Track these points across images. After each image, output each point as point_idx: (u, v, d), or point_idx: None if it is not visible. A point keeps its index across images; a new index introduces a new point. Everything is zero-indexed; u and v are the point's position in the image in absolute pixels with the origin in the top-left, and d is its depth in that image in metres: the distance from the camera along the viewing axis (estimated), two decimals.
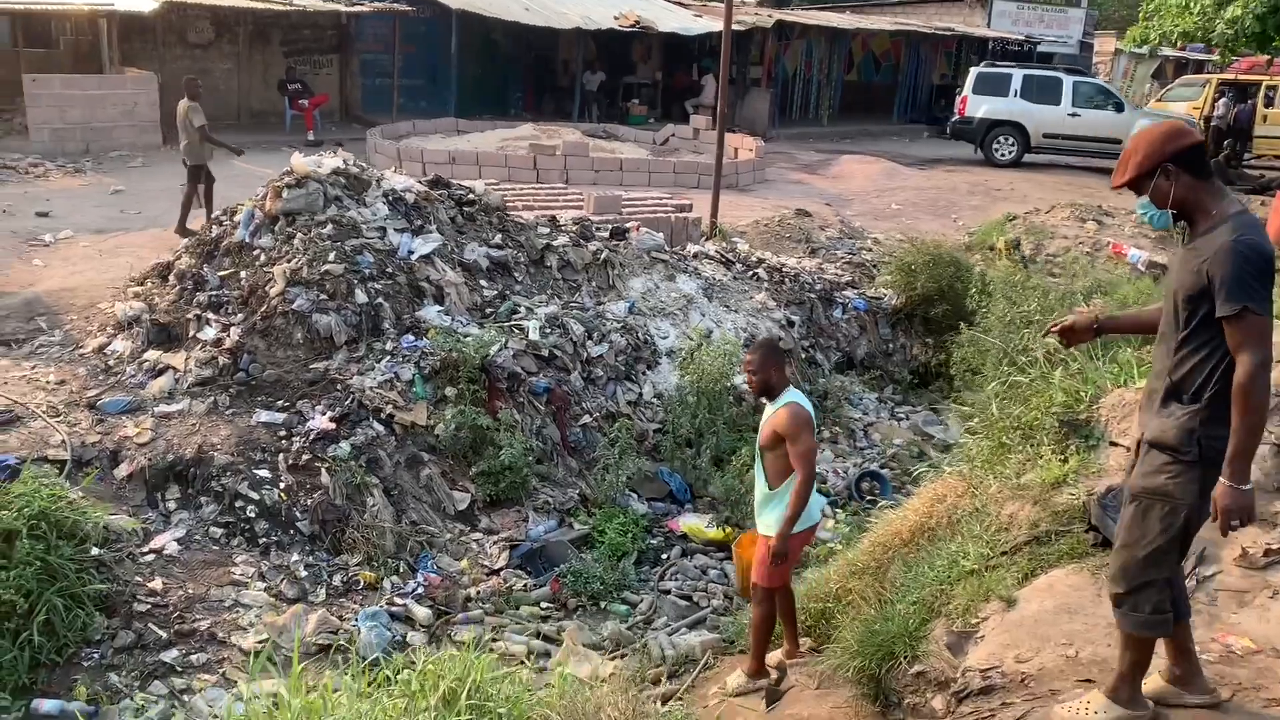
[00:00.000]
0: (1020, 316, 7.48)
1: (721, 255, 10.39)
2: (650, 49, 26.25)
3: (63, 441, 6.46)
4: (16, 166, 14.88)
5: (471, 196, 8.75)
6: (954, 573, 4.35)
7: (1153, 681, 3.31)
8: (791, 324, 9.86)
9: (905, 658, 4.12)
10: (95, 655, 5.37)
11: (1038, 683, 3.58)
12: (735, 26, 23.68)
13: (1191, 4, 16.58)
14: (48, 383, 7.14)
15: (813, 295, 10.41)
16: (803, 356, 9.81)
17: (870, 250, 12.08)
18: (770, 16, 24.62)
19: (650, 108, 24.72)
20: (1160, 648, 3.29)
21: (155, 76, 17.57)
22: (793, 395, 4.62)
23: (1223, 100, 22.67)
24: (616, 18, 22.79)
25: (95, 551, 5.70)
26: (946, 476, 5.49)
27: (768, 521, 4.66)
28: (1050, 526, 4.23)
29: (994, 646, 3.83)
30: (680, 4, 26.21)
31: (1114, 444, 4.61)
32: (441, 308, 7.67)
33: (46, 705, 5.03)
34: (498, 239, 8.56)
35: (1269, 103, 22.44)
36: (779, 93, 25.69)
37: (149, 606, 5.64)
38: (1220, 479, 2.98)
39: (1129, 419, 4.69)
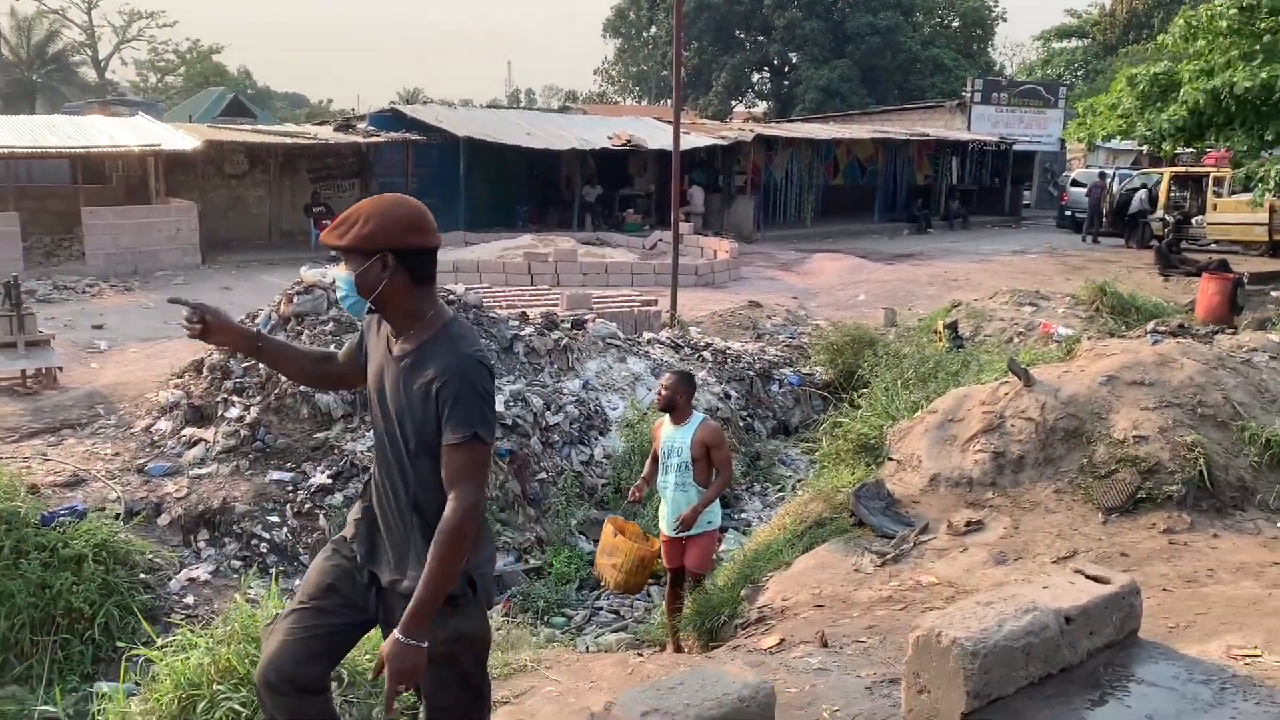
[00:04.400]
0: (895, 378, 9.12)
1: (671, 340, 12.13)
2: (645, 164, 28.58)
3: (117, 497, 8.20)
4: (75, 287, 17.06)
5: (452, 297, 10.59)
6: (766, 553, 5.95)
7: None
8: (729, 396, 11.52)
9: (726, 613, 5.70)
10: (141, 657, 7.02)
11: (790, 611, 5.16)
12: (720, 141, 26.06)
13: (1117, 107, 18.47)
14: (105, 454, 8.93)
15: (752, 373, 12.09)
16: (740, 424, 11.43)
17: (808, 335, 13.77)
18: (751, 131, 26.91)
19: (645, 216, 26.89)
20: None
21: (195, 205, 19.90)
22: (703, 415, 6.11)
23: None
24: (610, 138, 25.13)
25: (144, 576, 7.41)
26: (800, 494, 7.12)
27: (698, 525, 5.76)
28: (829, 515, 5.83)
29: (771, 593, 5.42)
30: (670, 122, 28.62)
31: (890, 459, 6.23)
32: None
33: (105, 686, 6.65)
34: None
35: (1217, 192, 24.21)
36: (764, 198, 27.81)
37: (183, 617, 7.28)
38: (395, 634, 2.60)
39: (903, 441, 6.32)
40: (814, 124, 34.34)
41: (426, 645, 2.61)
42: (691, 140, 25.98)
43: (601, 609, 8.31)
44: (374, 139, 22.82)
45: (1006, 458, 6.15)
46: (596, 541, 9.39)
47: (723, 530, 6.42)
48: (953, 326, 15.33)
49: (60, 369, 10.96)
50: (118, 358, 12.60)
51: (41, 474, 8.35)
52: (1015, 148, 33.82)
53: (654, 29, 55.62)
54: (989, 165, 34.97)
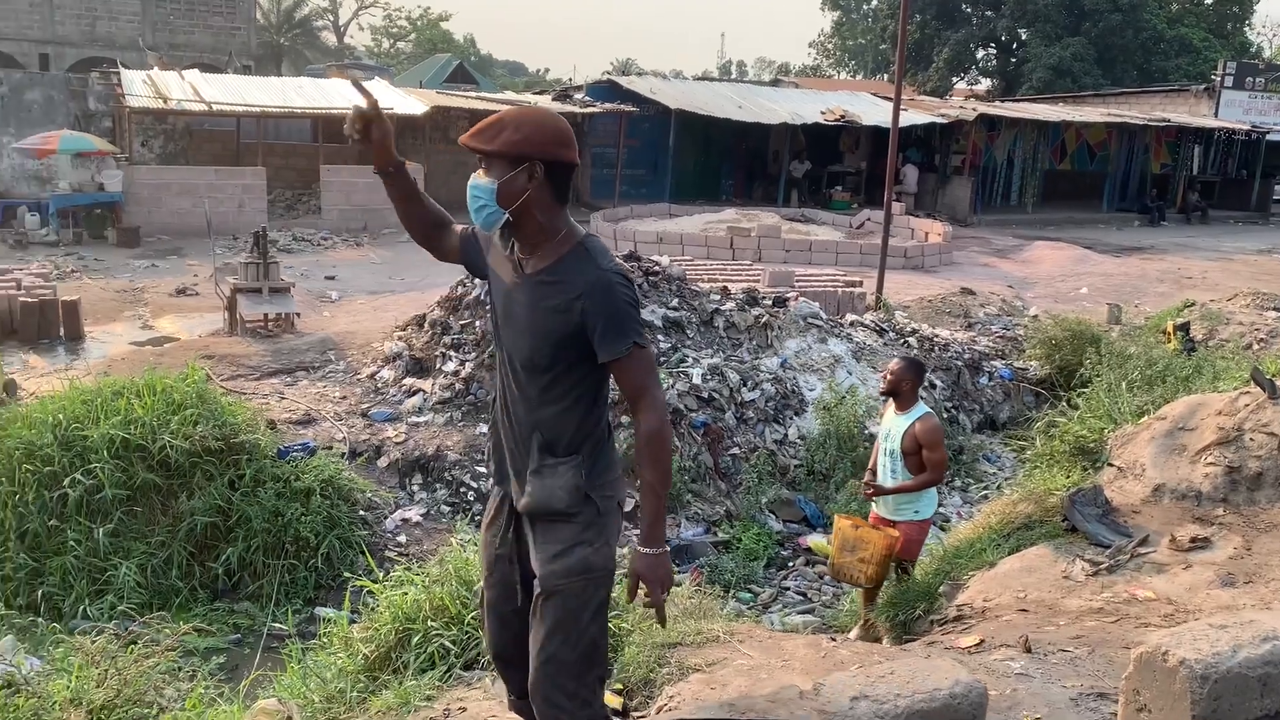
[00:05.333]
0: (1118, 379, 8.63)
1: (876, 324, 11.89)
2: (858, 140, 27.97)
3: (343, 438, 8.82)
4: (311, 240, 18.37)
5: (656, 268, 10.75)
6: (968, 551, 5.79)
7: None
8: (934, 386, 11.18)
9: (922, 607, 5.59)
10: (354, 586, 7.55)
11: (992, 612, 5.01)
12: (939, 118, 25.16)
13: None
14: (334, 397, 9.62)
15: (960, 363, 11.69)
16: (944, 416, 11.09)
17: (1024, 327, 13.17)
18: (974, 109, 25.81)
19: (854, 194, 26.32)
20: None
21: (422, 167, 20.94)
22: (926, 408, 5.91)
23: None
24: (823, 112, 24.71)
25: (363, 512, 7.96)
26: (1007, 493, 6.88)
27: (903, 511, 5.77)
28: (1038, 518, 5.60)
29: (972, 593, 5.27)
30: (887, 98, 27.84)
31: (1110, 464, 5.91)
32: None
33: (329, 611, 7.20)
34: (674, 302, 10.50)
35: None
36: (982, 180, 26.66)
37: (396, 554, 7.79)
38: (638, 546, 2.66)
39: (1125, 447, 5.98)
40: (1041, 104, 32.56)
41: (666, 551, 2.67)
42: (909, 117, 25.17)
43: (789, 589, 8.29)
44: (589, 109, 23.32)
45: (1242, 474, 5.72)
46: (785, 521, 9.42)
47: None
48: (1184, 328, 14.30)
49: (298, 315, 11.85)
50: (347, 307, 13.50)
51: (278, 411, 9.08)
52: (1269, 137, 31.00)
53: (874, 1, 54.10)
54: (1236, 156, 32.24)
